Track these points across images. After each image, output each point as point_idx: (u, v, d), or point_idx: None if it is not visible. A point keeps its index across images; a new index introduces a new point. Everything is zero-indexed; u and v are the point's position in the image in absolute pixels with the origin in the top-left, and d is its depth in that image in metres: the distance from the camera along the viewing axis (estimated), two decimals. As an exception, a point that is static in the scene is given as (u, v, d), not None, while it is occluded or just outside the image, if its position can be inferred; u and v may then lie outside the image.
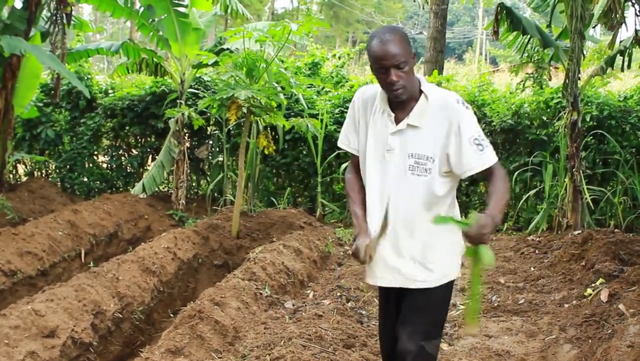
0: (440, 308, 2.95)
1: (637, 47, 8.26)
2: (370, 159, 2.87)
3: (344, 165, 8.77)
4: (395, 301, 3.00)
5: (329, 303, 5.36)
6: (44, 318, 4.52)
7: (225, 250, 7.48)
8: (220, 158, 10.22)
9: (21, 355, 4.16)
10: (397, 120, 2.79)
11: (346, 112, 6.67)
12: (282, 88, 7.88)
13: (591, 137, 9.18)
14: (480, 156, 2.73)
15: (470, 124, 2.74)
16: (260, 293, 5.32)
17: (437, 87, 2.86)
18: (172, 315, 5.94)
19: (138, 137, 10.92)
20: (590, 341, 4.35)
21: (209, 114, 9.22)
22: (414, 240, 2.84)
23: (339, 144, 3.07)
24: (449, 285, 2.94)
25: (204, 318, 4.41)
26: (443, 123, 2.72)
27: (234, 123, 8.88)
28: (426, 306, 2.87)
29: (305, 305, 5.39)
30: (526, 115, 9.59)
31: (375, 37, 2.70)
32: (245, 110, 7.42)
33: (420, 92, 2.77)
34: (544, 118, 9.64)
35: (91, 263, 6.85)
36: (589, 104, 9.26)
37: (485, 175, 2.80)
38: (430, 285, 2.85)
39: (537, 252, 7.49)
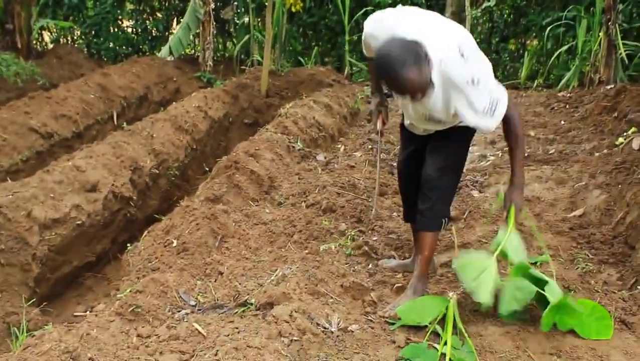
0: (463, 143, 3.13)
1: None
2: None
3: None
4: (417, 135, 3.20)
5: (360, 156, 5.44)
6: (85, 173, 4.67)
7: (255, 109, 7.53)
8: (246, 19, 10.06)
9: (67, 208, 4.34)
10: None
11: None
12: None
13: (630, -12, 8.83)
14: (492, 120, 2.75)
15: (480, 99, 2.69)
16: (293, 147, 5.41)
17: (451, 60, 2.67)
18: (207, 170, 6.07)
19: (162, 0, 10.73)
20: (619, 186, 4.39)
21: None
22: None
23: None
24: (469, 131, 3.04)
25: (239, 169, 4.52)
26: (452, 101, 2.71)
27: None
28: (450, 138, 3.04)
29: (337, 158, 5.48)
30: (562, -34, 9.23)
31: (385, 75, 2.59)
32: (271, -35, 7.23)
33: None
34: (581, -32, 9.26)
35: (124, 124, 6.96)
36: (629, -49, 8.85)
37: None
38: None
39: (567, 106, 7.43)
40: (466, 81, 2.66)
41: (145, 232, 4.07)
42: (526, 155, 5.54)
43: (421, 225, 3.10)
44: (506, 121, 2.82)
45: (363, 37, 3.07)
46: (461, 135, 3.04)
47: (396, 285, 3.24)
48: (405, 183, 3.41)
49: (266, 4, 7.86)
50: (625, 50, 8.48)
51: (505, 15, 9.60)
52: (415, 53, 2.54)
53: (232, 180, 4.35)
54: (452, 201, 3.29)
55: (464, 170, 4.98)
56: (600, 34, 8.34)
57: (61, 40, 11.08)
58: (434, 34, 2.71)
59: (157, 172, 5.52)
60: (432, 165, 3.02)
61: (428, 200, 3.03)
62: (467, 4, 8.92)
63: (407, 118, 3.14)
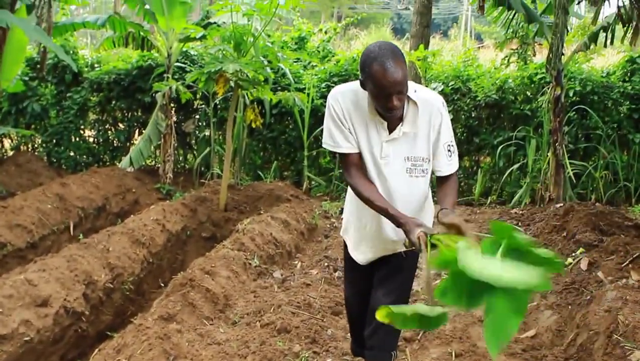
0: (413, 269, 3.16)
1: (620, 23, 8.35)
2: (367, 165, 2.92)
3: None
4: (364, 270, 3.20)
5: (317, 273, 5.48)
6: (36, 287, 4.59)
7: (213, 223, 7.55)
8: (207, 133, 10.26)
9: (15, 323, 4.24)
10: (389, 127, 2.85)
11: (332, 86, 6.62)
12: (269, 62, 7.92)
13: (574, 112, 9.30)
14: (449, 162, 2.94)
15: (448, 129, 2.91)
16: (249, 263, 5.42)
17: (420, 87, 2.92)
18: (162, 285, 6.03)
19: (125, 111, 10.89)
20: (570, 307, 4.50)
21: (195, 88, 9.24)
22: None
23: (337, 149, 2.91)
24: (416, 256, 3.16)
25: (195, 287, 4.51)
26: (430, 124, 2.85)
27: (221, 97, 8.93)
28: (402, 267, 3.07)
29: (294, 275, 5.51)
30: (510, 90, 9.69)
31: (376, 60, 2.62)
32: (232, 84, 7.46)
33: (408, 98, 2.79)
34: (528, 93, 9.75)
35: (80, 235, 6.91)
36: (572, 80, 9.38)
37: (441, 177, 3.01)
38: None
39: (520, 224, 7.63)
40: (441, 102, 2.88)
41: (96, 351, 4.00)
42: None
43: (371, 360, 3.10)
44: (450, 176, 2.96)
45: (332, 103, 2.89)
46: (408, 262, 3.10)
47: (349, 410, 3.22)
48: (354, 321, 3.40)
49: (227, 118, 8.06)
50: (572, 170, 8.85)
51: (459, 134, 9.96)
52: (403, 53, 2.70)
53: (186, 298, 4.33)
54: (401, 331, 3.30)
55: (419, 290, 5.06)
56: (548, 153, 8.71)
57: (22, 147, 11.07)
58: None
59: (112, 286, 5.45)
60: (381, 298, 3.03)
61: (377, 334, 3.03)
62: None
63: (382, 185, 2.94)
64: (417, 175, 2.91)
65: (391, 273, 3.06)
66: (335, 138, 2.89)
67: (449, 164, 2.93)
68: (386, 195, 2.91)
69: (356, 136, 2.88)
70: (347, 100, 2.86)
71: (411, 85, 2.82)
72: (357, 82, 2.81)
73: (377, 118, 2.83)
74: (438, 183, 3.00)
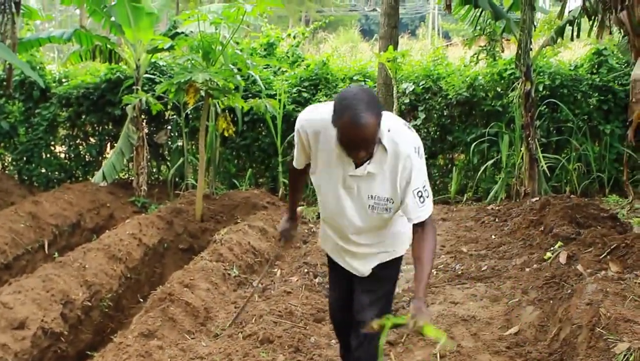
0: (393, 279, 3.23)
1: (585, 17, 8.42)
2: (327, 190, 2.92)
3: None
4: (341, 269, 3.21)
5: (297, 280, 5.44)
6: (12, 310, 4.49)
7: (190, 234, 7.49)
8: (180, 143, 10.18)
9: (-9, 348, 4.15)
10: (355, 162, 2.77)
11: (304, 92, 6.54)
12: (239, 70, 7.87)
13: (545, 106, 9.39)
14: (420, 208, 2.77)
15: (419, 174, 2.75)
16: (229, 274, 5.38)
17: (396, 127, 2.78)
18: (141, 300, 5.95)
19: (95, 125, 10.77)
20: (551, 301, 4.51)
21: (166, 99, 9.15)
22: (371, 248, 3.07)
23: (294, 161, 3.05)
24: (400, 259, 3.19)
25: (174, 301, 4.45)
26: (397, 169, 2.74)
27: (192, 107, 8.85)
28: (381, 277, 3.11)
29: (274, 283, 5.47)
30: (481, 87, 9.75)
31: (348, 110, 2.51)
32: (203, 93, 7.41)
33: (379, 141, 2.69)
34: (499, 89, 9.82)
35: (55, 253, 6.80)
36: (542, 74, 9.47)
37: (415, 225, 2.83)
38: (384, 260, 3.10)
39: (497, 220, 7.66)
40: (413, 147, 2.72)
41: (76, 372, 3.93)
42: (460, 273, 5.66)
43: None
44: (426, 228, 2.80)
45: (297, 128, 2.87)
46: (388, 272, 3.13)
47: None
48: (339, 327, 3.46)
49: (199, 128, 8.00)
50: (546, 163, 8.94)
51: (432, 133, 10.00)
52: (379, 106, 2.56)
53: (166, 313, 4.27)
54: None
55: (400, 291, 5.05)
56: (521, 148, 8.78)
57: (-9, 167, 10.91)
58: None
59: (90, 304, 5.36)
60: (365, 308, 3.03)
61: (362, 346, 3.05)
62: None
63: (339, 217, 2.96)
64: (379, 212, 2.86)
65: (369, 284, 3.10)
66: (301, 158, 3.01)
67: (419, 210, 2.78)
68: (339, 213, 2.94)
69: (317, 161, 2.88)
70: (312, 129, 2.81)
71: (387, 121, 2.70)
72: (330, 107, 2.68)
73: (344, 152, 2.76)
74: (413, 233, 2.86)
